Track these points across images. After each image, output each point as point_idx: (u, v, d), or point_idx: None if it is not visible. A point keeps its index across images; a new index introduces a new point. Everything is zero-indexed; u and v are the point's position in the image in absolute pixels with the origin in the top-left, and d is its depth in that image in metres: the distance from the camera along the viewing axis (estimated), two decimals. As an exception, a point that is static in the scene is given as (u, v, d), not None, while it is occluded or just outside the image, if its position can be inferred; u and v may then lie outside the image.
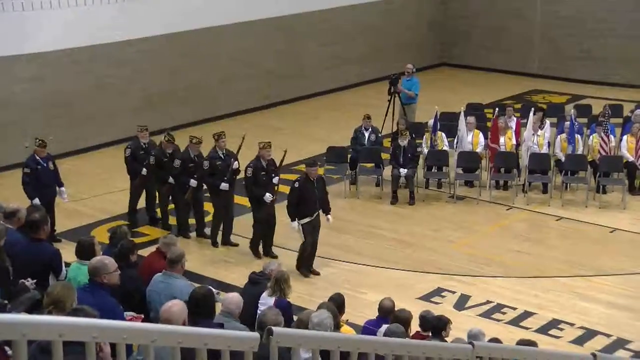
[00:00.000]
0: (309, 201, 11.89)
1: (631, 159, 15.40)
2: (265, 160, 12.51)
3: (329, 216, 12.19)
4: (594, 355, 5.04)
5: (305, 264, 12.10)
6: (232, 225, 13.14)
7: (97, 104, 18.01)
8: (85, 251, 8.10)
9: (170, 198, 13.53)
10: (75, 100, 17.65)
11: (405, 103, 17.92)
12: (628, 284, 11.80)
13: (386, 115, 17.40)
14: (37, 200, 12.09)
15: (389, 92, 17.81)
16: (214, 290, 7.35)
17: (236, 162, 12.91)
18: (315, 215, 12.00)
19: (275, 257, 12.33)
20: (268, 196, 12.38)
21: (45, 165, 12.73)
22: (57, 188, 12.95)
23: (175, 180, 13.13)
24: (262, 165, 12.46)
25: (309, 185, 11.90)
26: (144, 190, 14.01)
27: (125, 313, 7.23)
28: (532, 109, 16.40)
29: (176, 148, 13.59)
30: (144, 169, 13.60)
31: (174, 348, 2.99)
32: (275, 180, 12.57)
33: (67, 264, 8.40)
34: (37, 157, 12.73)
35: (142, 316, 7.62)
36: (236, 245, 13.04)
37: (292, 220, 11.95)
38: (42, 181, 12.65)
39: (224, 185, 12.75)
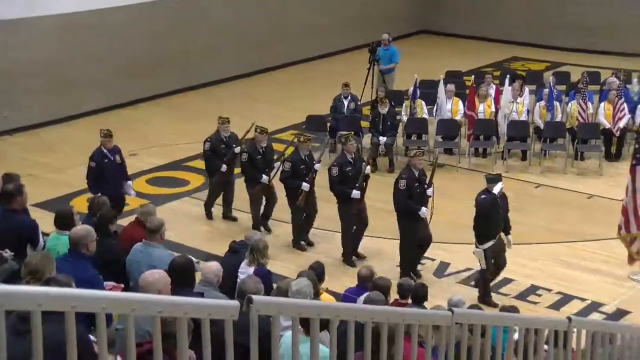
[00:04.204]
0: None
1: (608, 125, 15.50)
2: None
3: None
4: (569, 319, 5.10)
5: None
6: (232, 200, 12.98)
7: (78, 72, 17.83)
8: (64, 221, 8.06)
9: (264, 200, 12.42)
10: (55, 68, 17.46)
11: (384, 72, 17.90)
12: (604, 249, 11.92)
13: (365, 83, 17.37)
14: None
15: (369, 60, 17.79)
16: (193, 259, 7.35)
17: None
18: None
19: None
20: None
21: (112, 158, 11.57)
22: (124, 182, 11.78)
23: (285, 185, 11.93)
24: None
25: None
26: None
27: (105, 282, 7.23)
28: (508, 76, 16.46)
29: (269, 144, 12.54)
30: (224, 166, 12.48)
31: (154, 317, 2.99)
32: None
33: (46, 234, 8.37)
34: (104, 150, 11.56)
35: (122, 285, 7.62)
36: (235, 219, 12.92)
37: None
38: (106, 175, 11.46)
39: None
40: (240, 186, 12.72)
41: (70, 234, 7.16)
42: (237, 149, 12.57)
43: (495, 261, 10.48)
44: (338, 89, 16.23)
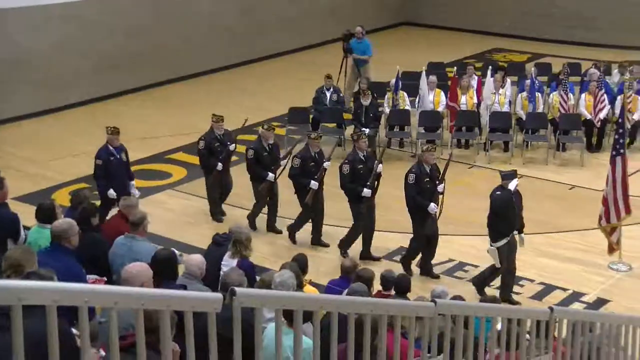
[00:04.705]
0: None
1: (589, 116, 15.58)
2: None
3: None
4: (551, 309, 5.13)
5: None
6: (226, 198, 12.82)
7: (59, 64, 17.72)
8: (46, 214, 8.03)
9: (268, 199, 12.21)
10: (36, 60, 17.32)
11: (360, 64, 17.94)
12: (585, 239, 11.99)
13: (340, 72, 17.35)
14: (112, 192, 11.01)
15: (343, 49, 17.81)
16: (176, 252, 7.34)
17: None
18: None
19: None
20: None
21: (118, 156, 11.33)
22: (128, 182, 11.54)
23: (294, 182, 11.69)
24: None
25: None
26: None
27: (88, 276, 7.21)
28: (490, 67, 16.51)
29: (277, 140, 12.35)
30: (220, 164, 12.28)
31: (137, 310, 2.98)
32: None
33: (27, 228, 8.33)
34: (110, 147, 11.32)
35: (105, 279, 7.60)
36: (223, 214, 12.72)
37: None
38: (111, 173, 11.25)
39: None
40: (237, 183, 12.62)
41: (52, 228, 7.13)
42: (232, 147, 12.42)
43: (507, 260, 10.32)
44: (320, 81, 16.24)
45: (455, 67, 16.98)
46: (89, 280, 7.17)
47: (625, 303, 10.38)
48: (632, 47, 21.76)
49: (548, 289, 10.78)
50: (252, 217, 12.27)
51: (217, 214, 12.63)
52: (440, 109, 16.02)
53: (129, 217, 8.42)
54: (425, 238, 10.90)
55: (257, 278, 7.56)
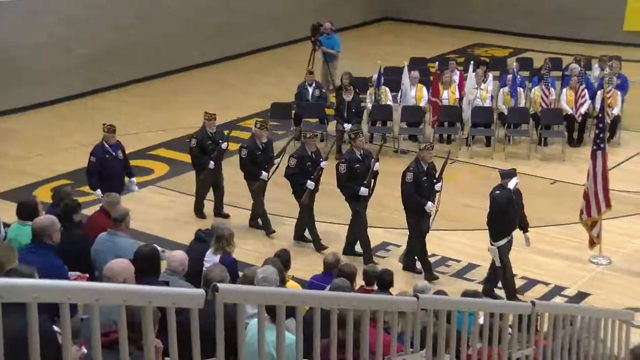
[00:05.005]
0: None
1: (570, 111, 15.66)
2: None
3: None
4: (532, 303, 5.16)
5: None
6: (223, 196, 12.69)
7: (40, 60, 17.60)
8: (27, 211, 7.99)
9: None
10: (16, 56, 17.22)
11: (328, 60, 17.85)
12: (567, 233, 12.06)
13: (308, 64, 17.34)
14: (99, 192, 10.85)
15: (311, 41, 17.76)
16: (159, 248, 7.32)
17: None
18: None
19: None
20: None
21: (114, 154, 11.25)
22: (127, 179, 11.57)
23: (291, 182, 11.52)
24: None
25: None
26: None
27: (70, 273, 7.18)
28: (472, 62, 16.55)
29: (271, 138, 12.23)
30: (212, 162, 12.16)
31: (119, 306, 2.98)
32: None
33: (7, 225, 8.28)
34: (106, 145, 11.23)
35: (88, 275, 7.57)
36: (227, 216, 12.51)
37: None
38: (107, 171, 11.14)
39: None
40: (230, 182, 12.57)
41: (33, 224, 7.09)
42: (224, 145, 12.31)
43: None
44: (302, 77, 16.23)
45: (437, 62, 17.03)
46: (71, 277, 7.14)
47: (604, 296, 10.46)
48: (612, 42, 21.89)
49: (530, 283, 10.83)
50: (252, 217, 12.11)
51: (201, 211, 12.56)
52: (423, 104, 16.05)
53: (111, 213, 8.39)
54: (423, 236, 10.85)
55: (240, 274, 7.55)
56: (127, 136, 15.81)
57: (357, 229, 11.29)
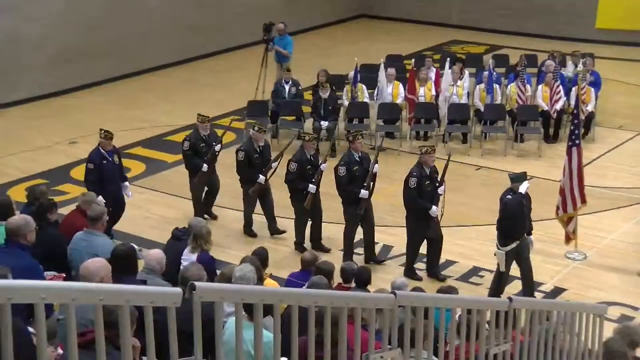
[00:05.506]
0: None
1: (546, 107, 15.75)
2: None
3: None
4: (510, 299, 5.19)
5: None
6: (215, 199, 12.58)
7: (11, 58, 17.45)
8: (1, 211, 7.93)
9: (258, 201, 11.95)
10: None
11: (280, 61, 17.71)
12: (543, 229, 12.10)
13: (262, 65, 17.33)
14: (100, 199, 10.39)
15: (263, 40, 17.67)
16: (135, 247, 7.30)
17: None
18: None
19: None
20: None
21: (110, 159, 11.10)
22: (121, 183, 11.42)
23: (290, 187, 11.36)
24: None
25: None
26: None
27: (46, 273, 7.13)
28: (448, 59, 16.61)
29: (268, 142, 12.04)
30: (205, 165, 11.96)
31: (96, 305, 2.96)
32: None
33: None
34: (102, 151, 11.07)
35: (64, 275, 7.53)
36: (215, 217, 12.48)
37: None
38: (105, 177, 10.99)
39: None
40: (224, 185, 12.51)
41: (7, 224, 7.03)
42: (218, 147, 12.15)
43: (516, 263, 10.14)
44: (298, 72, 16.22)
45: (413, 60, 17.07)
46: (47, 276, 7.10)
47: (580, 291, 10.55)
48: (585, 39, 22.06)
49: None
50: (248, 226, 12.01)
51: (202, 214, 12.26)
52: (399, 101, 16.09)
53: (87, 212, 8.34)
54: (419, 241, 10.75)
55: (218, 272, 7.54)
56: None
57: (348, 232, 11.16)
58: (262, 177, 11.60)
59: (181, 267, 7.59)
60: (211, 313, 3.25)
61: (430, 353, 4.61)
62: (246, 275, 6.49)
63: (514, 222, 9.96)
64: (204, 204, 12.41)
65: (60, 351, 4.52)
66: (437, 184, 10.68)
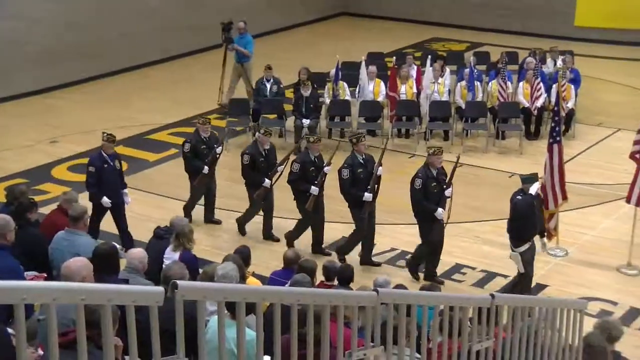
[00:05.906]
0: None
1: (527, 104, 15.82)
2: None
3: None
4: (492, 295, 5.20)
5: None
6: (214, 202, 12.47)
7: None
8: (-19, 211, 7.87)
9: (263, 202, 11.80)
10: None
11: (240, 61, 17.51)
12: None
13: (223, 65, 17.32)
14: (106, 199, 10.57)
15: (222, 38, 17.60)
16: (117, 246, 7.27)
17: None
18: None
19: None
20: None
21: (112, 163, 10.84)
22: (120, 190, 11.13)
23: (293, 187, 11.25)
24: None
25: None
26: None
27: (26, 273, 7.09)
28: (429, 57, 16.64)
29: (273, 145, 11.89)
30: (206, 167, 11.87)
31: (77, 305, 2.94)
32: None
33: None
34: (104, 154, 10.81)
35: (45, 275, 7.49)
36: (219, 222, 12.37)
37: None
38: (105, 182, 10.75)
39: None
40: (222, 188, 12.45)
41: (-14, 225, 6.99)
42: (219, 149, 12.09)
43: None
44: (260, 72, 16.19)
45: (394, 57, 17.10)
46: (27, 276, 7.06)
47: (561, 287, 10.61)
48: (564, 37, 22.17)
49: (489, 276, 10.93)
50: (242, 222, 11.95)
51: (191, 215, 12.23)
52: (380, 98, 16.11)
53: (68, 211, 8.30)
54: (433, 245, 10.61)
55: (200, 270, 7.52)
56: (83, 134, 15.70)
57: (356, 232, 11.05)
58: (267, 181, 11.51)
59: (163, 266, 7.57)
60: (193, 312, 3.24)
61: (413, 350, 4.62)
62: (229, 274, 6.49)
63: (524, 222, 9.92)
64: (206, 211, 12.34)
65: (40, 352, 4.49)
66: (445, 186, 10.54)
